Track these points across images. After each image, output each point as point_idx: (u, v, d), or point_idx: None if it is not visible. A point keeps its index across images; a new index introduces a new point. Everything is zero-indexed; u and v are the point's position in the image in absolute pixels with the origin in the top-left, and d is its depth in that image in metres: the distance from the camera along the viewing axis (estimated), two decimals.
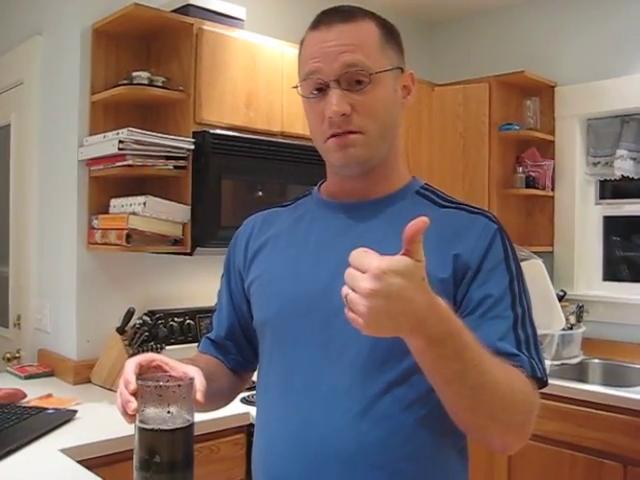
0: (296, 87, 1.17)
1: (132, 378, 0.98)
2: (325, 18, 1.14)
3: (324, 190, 1.26)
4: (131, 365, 1.01)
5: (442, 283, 1.04)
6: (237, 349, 1.33)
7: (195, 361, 1.16)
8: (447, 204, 1.17)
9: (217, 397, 1.24)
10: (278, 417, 1.15)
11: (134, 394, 0.96)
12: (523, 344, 1.05)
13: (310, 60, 1.13)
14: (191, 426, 0.97)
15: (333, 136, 1.12)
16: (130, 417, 0.96)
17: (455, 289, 1.07)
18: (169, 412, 0.95)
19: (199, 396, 0.99)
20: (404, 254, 0.82)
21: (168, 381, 0.98)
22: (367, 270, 0.80)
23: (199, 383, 1.00)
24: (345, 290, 0.83)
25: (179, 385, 0.97)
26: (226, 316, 1.33)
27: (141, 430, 0.95)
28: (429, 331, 0.86)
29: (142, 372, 1.01)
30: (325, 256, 1.14)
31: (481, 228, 1.11)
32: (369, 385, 1.07)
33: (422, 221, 0.81)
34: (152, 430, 0.95)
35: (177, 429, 0.95)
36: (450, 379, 0.93)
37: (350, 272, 0.82)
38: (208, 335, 1.36)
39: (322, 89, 1.12)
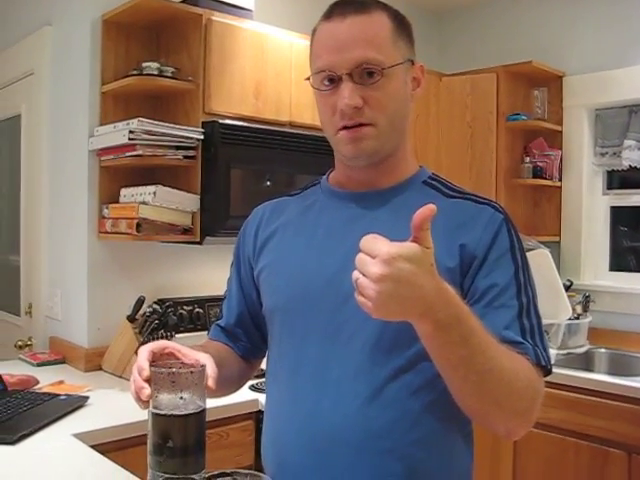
0: (308, 79, 1.18)
1: (145, 365, 1.00)
2: (338, 9, 1.14)
3: (332, 179, 1.28)
4: (144, 352, 1.03)
5: (449, 272, 1.06)
6: (247, 336, 1.35)
7: (206, 348, 1.18)
8: (454, 194, 1.19)
9: (227, 383, 1.26)
10: (287, 404, 1.17)
11: (147, 381, 0.98)
12: (528, 333, 1.07)
13: (323, 53, 1.13)
14: (203, 412, 1.00)
15: (344, 128, 1.13)
16: (144, 403, 0.99)
17: (462, 278, 1.09)
18: (182, 398, 0.97)
19: (211, 382, 1.01)
20: (413, 241, 0.85)
21: (181, 368, 1.01)
22: (377, 255, 0.82)
23: (210, 370, 1.02)
24: (355, 275, 0.85)
25: (191, 372, 0.99)
26: (236, 304, 1.35)
27: (155, 415, 0.98)
28: (437, 316, 0.88)
29: (155, 359, 1.03)
30: (333, 245, 1.16)
31: (487, 218, 1.13)
32: (377, 371, 1.09)
33: (429, 209, 0.83)
34: (165, 415, 0.97)
35: (190, 414, 0.97)
36: (457, 364, 0.95)
37: (360, 257, 0.84)
38: (218, 322, 1.38)
39: (334, 81, 1.13)
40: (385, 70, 1.11)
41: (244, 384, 1.39)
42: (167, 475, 0.96)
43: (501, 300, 1.07)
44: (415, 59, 1.20)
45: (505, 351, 0.99)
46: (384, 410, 1.08)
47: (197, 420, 0.99)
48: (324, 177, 1.31)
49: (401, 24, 1.17)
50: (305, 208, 1.27)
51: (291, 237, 1.24)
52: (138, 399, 0.99)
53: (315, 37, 1.18)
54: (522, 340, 1.06)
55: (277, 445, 1.19)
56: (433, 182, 1.22)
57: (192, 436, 0.98)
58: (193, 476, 0.97)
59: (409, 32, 1.19)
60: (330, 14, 1.15)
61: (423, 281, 0.84)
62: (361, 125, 1.12)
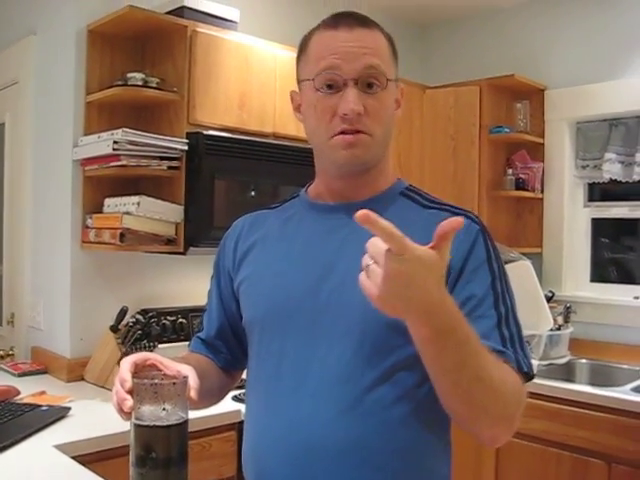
0: (310, 80, 1.16)
1: (128, 376, 1.00)
2: (344, 20, 1.17)
3: (311, 192, 1.29)
4: (126, 364, 1.04)
5: None
6: (227, 348, 1.36)
7: (187, 359, 1.18)
8: (431, 205, 1.21)
9: (209, 395, 1.27)
10: (266, 415, 1.18)
11: (130, 392, 0.99)
12: (508, 341, 1.09)
13: (329, 56, 1.14)
14: (185, 423, 1.00)
15: (342, 133, 1.14)
16: (126, 414, 0.99)
17: None
18: (164, 409, 0.97)
19: (193, 394, 1.02)
20: (432, 247, 0.86)
21: (163, 379, 1.01)
22: (399, 251, 0.83)
23: (193, 381, 1.03)
24: (367, 259, 0.86)
25: (174, 383, 1.00)
26: (216, 316, 1.36)
27: (137, 427, 0.98)
28: (435, 322, 0.90)
29: (137, 371, 1.04)
30: (312, 257, 1.17)
31: (464, 229, 1.12)
32: (354, 382, 1.10)
33: (457, 221, 0.85)
34: (148, 427, 0.97)
35: (172, 425, 0.98)
36: (449, 370, 0.96)
37: (379, 245, 0.84)
38: (199, 334, 1.39)
39: (333, 86, 1.14)
40: (386, 82, 1.15)
41: (225, 396, 1.39)
42: None
43: (479, 311, 1.09)
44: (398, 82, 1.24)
45: (494, 359, 1.01)
46: (362, 421, 1.09)
47: (179, 431, 0.99)
48: (303, 190, 1.32)
49: (393, 45, 1.22)
50: (284, 221, 1.28)
51: (270, 249, 1.25)
52: (120, 411, 0.99)
53: (315, 42, 1.19)
54: (503, 349, 1.07)
55: (256, 455, 1.19)
56: (410, 193, 1.24)
57: (175, 447, 0.99)
58: None
59: (397, 56, 1.23)
60: (336, 24, 1.17)
61: (432, 288, 0.86)
62: (358, 132, 1.14)
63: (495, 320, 1.09)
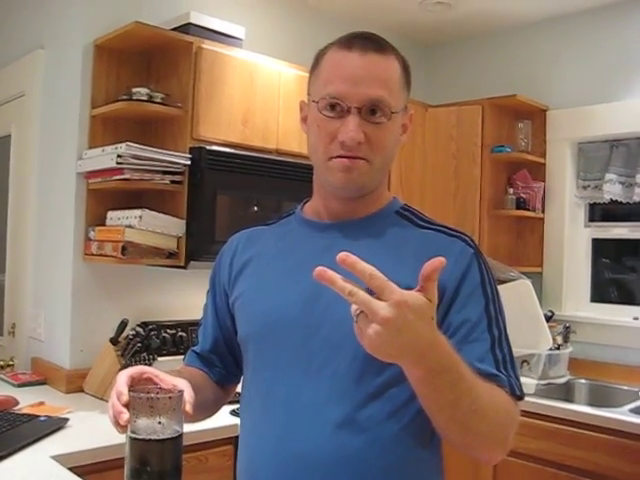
0: (317, 102, 1.17)
1: (124, 390, 1.01)
2: (359, 41, 1.15)
3: (308, 209, 1.30)
4: (123, 377, 1.05)
5: None
6: (222, 362, 1.37)
7: (181, 373, 1.19)
8: (426, 225, 1.22)
9: (203, 408, 1.28)
10: (260, 430, 1.19)
11: (126, 405, 1.00)
12: (501, 364, 1.10)
13: (336, 80, 1.14)
14: (180, 436, 1.01)
15: (340, 157, 1.15)
16: (122, 427, 1.00)
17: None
18: (160, 423, 0.98)
19: (188, 408, 1.03)
20: (419, 290, 0.87)
21: (159, 393, 1.02)
22: (388, 299, 0.83)
23: (188, 395, 1.04)
24: (356, 308, 0.86)
25: (170, 397, 1.00)
26: (211, 331, 1.37)
27: (132, 440, 0.99)
28: (428, 364, 0.91)
29: (133, 384, 1.05)
30: (305, 275, 1.17)
31: (458, 252, 1.15)
32: (347, 399, 1.11)
33: (439, 261, 0.86)
34: (143, 440, 0.98)
35: (167, 439, 0.99)
36: (444, 407, 0.98)
37: (361, 294, 0.84)
38: (194, 348, 1.40)
39: (338, 110, 1.14)
40: (390, 114, 1.14)
41: (219, 410, 1.40)
42: None
43: (474, 334, 1.10)
44: (408, 105, 1.23)
45: (487, 389, 1.02)
46: (354, 437, 1.10)
47: (174, 445, 1.00)
48: (299, 207, 1.33)
49: (407, 71, 1.21)
50: (279, 237, 1.29)
51: (265, 266, 1.26)
52: (116, 423, 1.00)
53: (327, 61, 1.18)
54: (497, 372, 1.09)
55: (250, 470, 1.20)
56: (405, 212, 1.25)
57: (169, 461, 1.00)
58: None
59: (410, 80, 1.22)
60: (350, 45, 1.15)
61: (423, 332, 0.87)
62: (357, 158, 1.14)
63: (489, 343, 1.11)
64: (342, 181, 1.16)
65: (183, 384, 1.06)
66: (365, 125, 1.13)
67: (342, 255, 0.84)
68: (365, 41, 1.15)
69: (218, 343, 1.36)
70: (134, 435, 0.98)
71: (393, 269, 1.04)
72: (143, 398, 0.99)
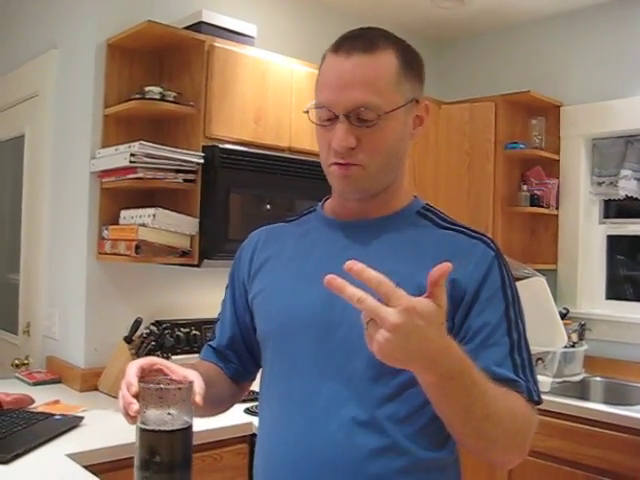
0: (307, 112, 1.19)
1: (134, 380, 1.02)
2: (346, 44, 1.13)
3: (328, 207, 1.30)
4: (133, 368, 1.05)
5: None
6: (238, 359, 1.36)
7: (196, 367, 1.19)
8: (447, 225, 1.20)
9: (216, 403, 1.28)
10: (278, 428, 1.19)
11: (136, 396, 1.00)
12: (520, 368, 1.09)
13: (324, 89, 1.14)
14: (190, 428, 1.01)
15: (336, 164, 1.14)
16: (132, 418, 1.00)
17: (453, 312, 1.10)
18: (169, 414, 0.98)
19: (198, 399, 1.02)
20: (428, 296, 0.86)
21: (169, 384, 1.02)
22: (396, 305, 0.83)
23: (198, 387, 1.04)
24: (365, 315, 0.86)
25: (179, 388, 1.00)
26: (229, 326, 1.36)
27: (142, 431, 0.99)
28: (440, 370, 0.90)
29: (143, 375, 1.05)
30: (324, 274, 1.18)
31: (480, 255, 1.14)
32: (364, 399, 1.10)
33: (447, 265, 0.85)
34: (153, 431, 0.98)
35: (176, 430, 0.98)
36: (457, 412, 0.97)
37: (374, 301, 0.84)
38: (210, 343, 1.40)
39: (331, 118, 1.13)
40: (382, 115, 1.11)
41: (232, 406, 1.40)
42: None
43: (493, 338, 1.09)
44: (422, 97, 1.19)
45: (502, 394, 1.01)
46: (371, 437, 1.10)
47: (184, 436, 1.00)
48: (320, 204, 1.33)
49: (409, 63, 1.16)
50: (299, 236, 1.29)
51: (285, 264, 1.25)
52: (126, 414, 1.00)
53: (322, 68, 1.18)
54: (515, 377, 1.08)
55: (267, 469, 1.20)
56: (427, 213, 1.23)
57: (179, 452, 0.99)
58: None
59: (418, 70, 1.19)
60: (338, 48, 1.14)
61: (432, 338, 0.86)
62: (351, 164, 1.13)
63: (508, 347, 1.10)
64: (341, 187, 1.17)
65: (194, 375, 1.06)
66: (356, 130, 1.11)
67: (349, 263, 0.85)
68: (353, 41, 1.13)
69: (235, 339, 1.35)
70: (143, 426, 0.99)
71: (410, 270, 1.05)
72: (152, 389, 0.99)
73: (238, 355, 1.36)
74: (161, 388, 1.00)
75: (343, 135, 1.11)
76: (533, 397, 1.09)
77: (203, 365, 1.32)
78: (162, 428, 0.98)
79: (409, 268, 1.08)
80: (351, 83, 1.10)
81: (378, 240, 1.18)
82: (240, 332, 1.35)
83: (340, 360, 1.12)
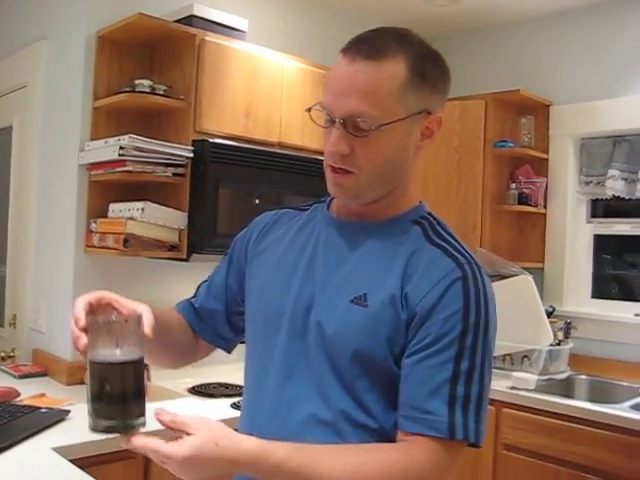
0: (309, 110, 1.16)
1: (81, 315, 1.02)
2: (353, 48, 1.10)
3: (334, 203, 1.27)
4: (81, 303, 1.05)
5: (396, 320, 1.08)
6: (214, 323, 1.37)
7: (159, 309, 1.19)
8: (434, 239, 1.15)
9: (174, 352, 1.33)
10: (248, 417, 1.23)
11: (85, 330, 1.00)
12: (458, 400, 1.02)
13: (326, 92, 1.11)
14: (140, 360, 1.01)
15: (330, 167, 1.13)
16: (82, 352, 1.00)
17: (406, 325, 1.07)
18: (118, 346, 0.99)
19: (147, 330, 1.02)
20: (188, 433, 0.97)
21: (116, 317, 1.03)
22: (169, 461, 0.96)
23: (147, 319, 1.03)
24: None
25: (126, 320, 1.02)
26: (216, 291, 1.38)
27: (92, 364, 0.99)
28: (238, 471, 1.01)
29: (93, 310, 1.05)
30: (313, 272, 1.18)
31: (440, 273, 1.08)
32: (327, 399, 1.11)
33: (159, 412, 0.97)
34: (102, 363, 0.98)
35: (126, 362, 0.99)
36: None
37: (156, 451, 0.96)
38: (191, 300, 1.41)
39: (330, 122, 1.11)
40: (377, 127, 1.07)
41: (190, 362, 1.41)
42: (106, 421, 0.99)
43: (434, 360, 1.04)
44: (436, 108, 1.14)
45: (351, 456, 1.03)
46: (328, 437, 1.10)
47: (134, 368, 1.00)
48: (327, 199, 1.30)
49: (422, 73, 1.11)
50: (299, 228, 1.28)
51: (281, 256, 1.25)
52: (76, 348, 1.01)
53: (332, 67, 1.14)
54: (442, 411, 1.02)
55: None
56: (423, 221, 1.18)
57: (129, 383, 1.00)
58: (132, 422, 0.99)
59: (431, 80, 1.13)
60: (346, 50, 1.11)
61: (212, 466, 0.97)
62: (343, 170, 1.12)
63: (449, 374, 1.03)
64: (333, 192, 1.17)
65: (143, 308, 1.06)
66: (350, 137, 1.09)
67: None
68: (360, 46, 1.09)
69: (218, 303, 1.36)
70: (94, 359, 0.99)
71: (381, 278, 1.09)
72: (100, 322, 1.00)
73: (215, 319, 1.37)
74: (109, 321, 1.00)
75: (335, 141, 1.09)
76: (456, 435, 1.01)
77: (169, 311, 1.35)
78: (112, 360, 0.98)
79: (379, 275, 1.10)
80: (348, 91, 1.07)
81: (367, 244, 1.17)
82: (226, 299, 1.36)
83: (310, 358, 1.14)
